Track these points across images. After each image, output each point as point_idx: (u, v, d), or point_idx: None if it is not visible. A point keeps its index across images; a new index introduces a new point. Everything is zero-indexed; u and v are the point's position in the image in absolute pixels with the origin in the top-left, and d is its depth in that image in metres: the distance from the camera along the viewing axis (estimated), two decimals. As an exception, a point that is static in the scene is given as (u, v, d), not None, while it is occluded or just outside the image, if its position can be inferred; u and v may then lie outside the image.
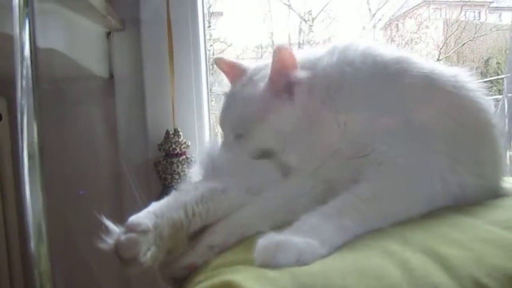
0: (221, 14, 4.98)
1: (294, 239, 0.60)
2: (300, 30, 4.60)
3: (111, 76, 1.27)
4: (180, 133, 1.21)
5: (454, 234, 0.62)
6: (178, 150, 1.19)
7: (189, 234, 0.75)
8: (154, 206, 0.72)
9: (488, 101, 0.86)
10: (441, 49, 4.17)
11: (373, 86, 0.82)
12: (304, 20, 4.33)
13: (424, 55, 4.32)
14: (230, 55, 4.61)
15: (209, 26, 4.42)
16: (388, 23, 4.54)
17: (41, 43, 1.00)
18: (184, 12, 1.26)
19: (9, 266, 1.16)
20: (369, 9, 4.18)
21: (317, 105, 0.84)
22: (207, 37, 4.23)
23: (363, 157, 0.77)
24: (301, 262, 0.57)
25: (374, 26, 4.44)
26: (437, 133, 0.77)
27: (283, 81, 0.84)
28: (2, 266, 1.14)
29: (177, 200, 0.75)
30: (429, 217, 0.69)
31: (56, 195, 1.17)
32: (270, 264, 0.58)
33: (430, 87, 0.81)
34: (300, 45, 4.56)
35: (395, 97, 0.80)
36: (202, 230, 0.77)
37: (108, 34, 1.26)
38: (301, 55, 0.88)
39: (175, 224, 0.71)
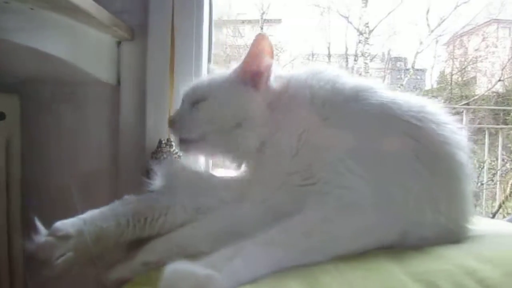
0: (279, 21, 5.02)
1: (196, 270, 0.61)
2: (358, 42, 4.55)
3: (119, 83, 1.33)
4: (173, 143, 1.24)
5: (363, 281, 0.60)
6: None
7: (123, 244, 0.78)
8: (89, 214, 0.77)
9: (458, 135, 0.82)
10: (503, 69, 3.94)
11: (326, 113, 0.82)
12: (361, 32, 4.27)
13: (488, 74, 4.11)
14: (281, 62, 4.63)
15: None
16: (452, 39, 4.36)
17: (53, 52, 1.09)
18: (188, 27, 1.29)
19: (9, 262, 1.23)
20: (428, 25, 4.04)
21: (279, 116, 0.85)
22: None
23: (310, 185, 0.76)
24: None
25: (437, 41, 4.29)
26: (390, 164, 0.75)
27: (255, 67, 0.87)
28: (3, 263, 1.21)
29: (114, 210, 0.79)
30: (350, 258, 0.66)
31: (53, 192, 1.26)
32: None
33: (386, 116, 0.79)
34: (356, 56, 4.51)
35: (347, 125, 0.79)
36: (144, 242, 0.80)
37: (119, 43, 1.32)
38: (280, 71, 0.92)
39: (103, 233, 0.75)
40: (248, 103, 0.87)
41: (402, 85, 4.34)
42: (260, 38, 0.87)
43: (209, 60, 1.36)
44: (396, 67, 4.68)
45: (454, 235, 0.76)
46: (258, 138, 0.86)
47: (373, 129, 0.79)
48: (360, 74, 4.39)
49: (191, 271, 0.61)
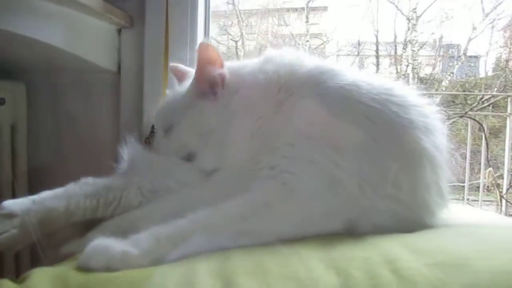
0: (325, 8, 4.91)
1: (114, 246, 0.62)
2: (408, 29, 4.36)
3: (120, 70, 1.37)
4: (164, 129, 1.26)
5: (271, 266, 0.58)
6: (160, 144, 1.24)
7: (78, 225, 0.80)
8: (41, 194, 0.80)
9: (428, 119, 0.77)
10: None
11: (280, 98, 0.80)
12: (409, 19, 4.09)
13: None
14: (327, 51, 4.52)
15: (306, 22, 4.40)
16: (509, 24, 4.06)
17: (50, 41, 1.13)
18: (182, 15, 1.31)
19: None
20: (483, 9, 3.79)
21: (236, 109, 0.85)
22: (304, 32, 4.19)
23: (258, 170, 0.75)
24: (110, 268, 0.60)
25: (492, 26, 4.01)
26: (343, 148, 0.72)
27: (207, 79, 0.87)
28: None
29: (67, 192, 0.81)
30: (272, 245, 0.64)
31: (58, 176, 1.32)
32: (84, 266, 0.61)
33: (342, 99, 0.76)
34: (405, 44, 4.33)
35: (300, 109, 0.77)
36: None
37: (120, 31, 1.36)
38: (233, 63, 0.93)
39: (51, 214, 0.77)
40: (209, 116, 0.88)
41: (452, 73, 4.12)
42: (202, 48, 0.86)
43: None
44: (448, 54, 4.44)
45: (413, 225, 0.72)
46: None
47: (326, 112, 0.76)
48: (408, 63, 4.23)
49: (109, 246, 0.62)
